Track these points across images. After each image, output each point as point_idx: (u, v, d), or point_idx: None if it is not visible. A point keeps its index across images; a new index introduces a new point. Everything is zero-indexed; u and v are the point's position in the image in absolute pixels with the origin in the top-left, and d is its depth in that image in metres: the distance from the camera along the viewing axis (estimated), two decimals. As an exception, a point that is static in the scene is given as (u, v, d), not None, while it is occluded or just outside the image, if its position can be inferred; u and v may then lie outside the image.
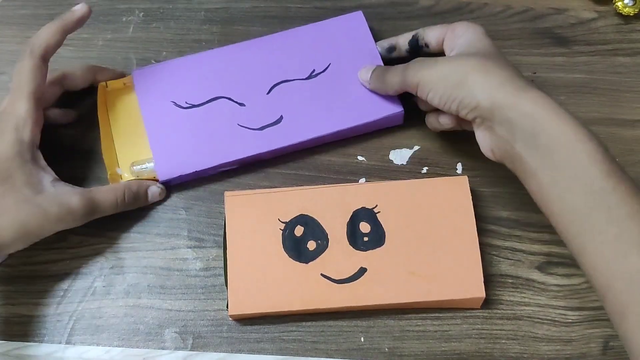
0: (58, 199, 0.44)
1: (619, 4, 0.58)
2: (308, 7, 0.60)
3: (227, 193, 0.49)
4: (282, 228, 0.48)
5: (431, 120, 0.50)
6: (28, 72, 0.45)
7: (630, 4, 0.58)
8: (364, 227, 0.48)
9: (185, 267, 0.49)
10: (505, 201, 0.51)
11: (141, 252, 0.50)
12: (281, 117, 0.51)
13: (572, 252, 0.39)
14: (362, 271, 0.47)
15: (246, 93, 0.52)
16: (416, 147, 0.53)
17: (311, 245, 0.47)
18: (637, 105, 0.55)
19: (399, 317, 0.47)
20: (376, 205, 0.48)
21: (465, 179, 0.49)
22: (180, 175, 0.50)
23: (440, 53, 0.49)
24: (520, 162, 0.41)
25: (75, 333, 0.47)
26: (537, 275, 0.49)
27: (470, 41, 0.46)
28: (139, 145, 0.52)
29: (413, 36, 0.51)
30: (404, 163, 0.53)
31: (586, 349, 0.46)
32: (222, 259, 0.48)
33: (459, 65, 0.43)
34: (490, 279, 0.48)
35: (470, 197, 0.48)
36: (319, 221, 0.48)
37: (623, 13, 0.58)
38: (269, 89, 0.52)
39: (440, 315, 0.47)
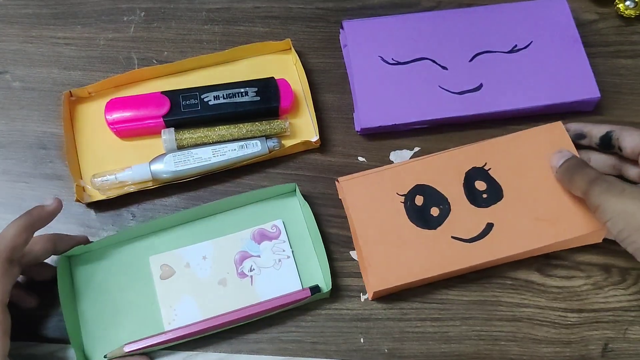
0: None
1: (621, 6, 0.58)
2: (310, 7, 0.60)
3: (340, 179, 0.50)
4: (403, 201, 0.48)
5: None
6: None
7: (631, 6, 0.58)
8: (480, 185, 0.49)
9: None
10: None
11: (141, 251, 0.50)
12: (481, 85, 0.54)
13: None
14: (489, 227, 0.47)
15: (449, 58, 0.55)
16: (416, 148, 0.54)
17: (434, 211, 0.48)
18: (638, 107, 0.55)
19: (399, 319, 0.48)
20: (485, 163, 0.49)
21: (560, 124, 0.50)
22: (379, 126, 0.53)
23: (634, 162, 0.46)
24: None
25: (75, 332, 0.47)
26: (536, 277, 0.49)
27: None
28: (101, 157, 0.52)
29: (607, 133, 0.47)
30: (405, 164, 0.53)
31: (585, 351, 0.46)
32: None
33: None
34: (489, 281, 0.49)
35: (570, 138, 0.49)
36: (436, 187, 0.49)
37: (624, 15, 0.58)
38: (471, 56, 0.55)
39: (440, 316, 0.48)
